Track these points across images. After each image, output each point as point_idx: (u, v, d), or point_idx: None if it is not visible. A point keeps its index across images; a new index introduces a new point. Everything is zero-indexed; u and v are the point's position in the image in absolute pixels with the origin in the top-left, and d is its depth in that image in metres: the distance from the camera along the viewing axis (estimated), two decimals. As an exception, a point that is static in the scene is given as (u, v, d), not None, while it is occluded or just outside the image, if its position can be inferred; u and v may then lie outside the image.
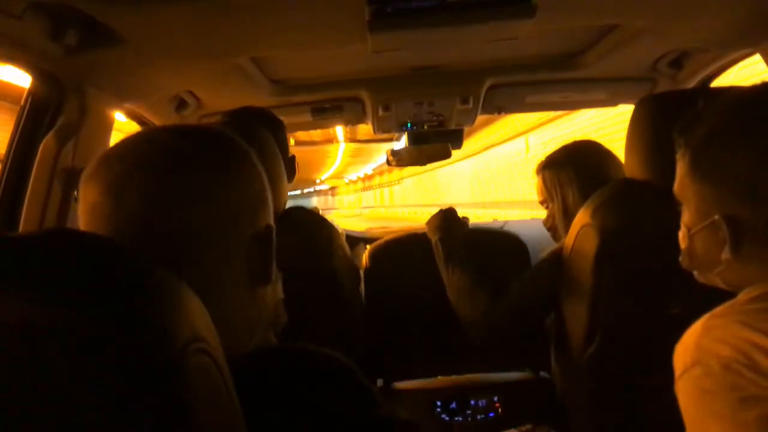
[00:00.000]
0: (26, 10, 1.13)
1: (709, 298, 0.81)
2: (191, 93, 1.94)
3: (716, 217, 0.82)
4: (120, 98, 1.70)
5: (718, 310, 0.78)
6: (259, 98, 1.95)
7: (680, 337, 0.79)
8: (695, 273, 0.93)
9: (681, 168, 0.89)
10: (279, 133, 1.70)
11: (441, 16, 1.25)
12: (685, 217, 0.90)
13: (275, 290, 0.79)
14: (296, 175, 1.70)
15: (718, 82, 1.94)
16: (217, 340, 0.49)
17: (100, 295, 0.41)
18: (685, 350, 0.77)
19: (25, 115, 1.45)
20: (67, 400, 0.38)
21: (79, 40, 1.25)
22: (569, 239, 1.45)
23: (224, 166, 0.69)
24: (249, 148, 0.74)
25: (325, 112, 2.14)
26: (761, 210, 0.78)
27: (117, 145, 0.68)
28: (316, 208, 3.60)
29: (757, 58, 1.63)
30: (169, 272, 0.47)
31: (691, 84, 1.91)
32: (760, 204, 0.78)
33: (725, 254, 0.82)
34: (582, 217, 1.38)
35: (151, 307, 0.43)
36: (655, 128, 1.30)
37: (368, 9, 1.21)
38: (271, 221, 0.75)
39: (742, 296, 0.80)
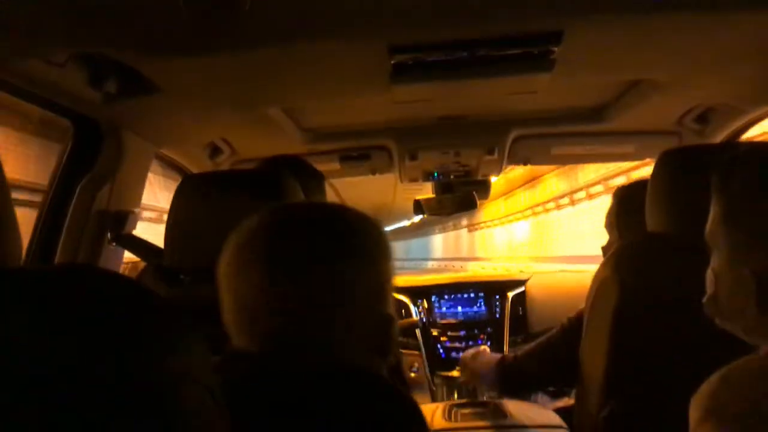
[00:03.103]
0: (69, 59, 1.20)
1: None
2: (225, 140, 2.01)
3: (745, 271, 0.80)
4: (156, 144, 1.77)
5: (737, 363, 0.76)
6: (290, 146, 2.01)
7: None
8: (717, 320, 0.91)
9: (714, 213, 0.87)
10: (312, 182, 1.76)
11: (460, 69, 1.29)
12: (714, 263, 0.88)
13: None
14: None
15: (746, 137, 1.93)
16: (212, 375, 0.51)
17: (98, 328, 0.43)
18: (700, 402, 0.75)
19: (65, 157, 1.53)
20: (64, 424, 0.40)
21: (118, 88, 1.31)
22: (590, 291, 1.44)
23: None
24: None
25: (353, 160, 2.18)
26: None
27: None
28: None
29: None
30: (171, 309, 0.49)
31: (718, 139, 1.90)
32: None
33: (750, 309, 0.81)
34: (603, 270, 1.38)
35: (144, 341, 0.45)
36: (676, 182, 1.30)
37: (391, 62, 1.26)
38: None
39: (763, 350, 0.79)
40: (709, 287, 0.90)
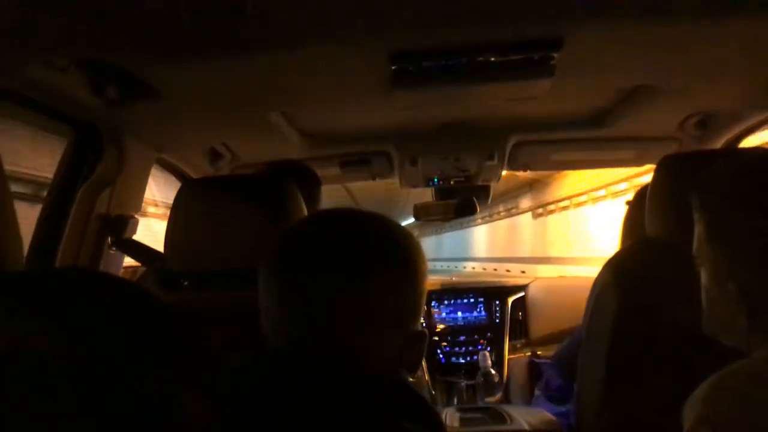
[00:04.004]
0: (70, 65, 1.21)
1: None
2: (225, 145, 2.01)
3: (731, 285, 0.81)
4: (157, 149, 1.78)
5: (729, 368, 0.77)
6: (290, 151, 2.01)
7: None
8: (720, 338, 0.91)
9: (698, 232, 0.88)
10: (314, 189, 1.77)
11: (460, 75, 1.30)
12: (704, 280, 0.89)
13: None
14: None
15: (746, 143, 1.93)
16: (216, 380, 0.51)
17: (98, 332, 0.44)
18: (693, 406, 0.75)
19: (65, 162, 1.53)
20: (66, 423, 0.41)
21: (119, 94, 1.32)
22: (590, 297, 1.44)
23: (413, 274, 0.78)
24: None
25: (353, 165, 2.19)
26: None
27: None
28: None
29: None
30: (171, 313, 0.50)
31: (719, 145, 1.91)
32: None
33: (739, 321, 0.81)
34: (602, 276, 1.38)
35: (143, 346, 0.45)
36: (675, 188, 1.30)
37: (391, 68, 1.26)
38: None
39: (757, 354, 0.79)
40: (705, 307, 0.90)
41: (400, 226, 0.82)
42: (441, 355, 2.81)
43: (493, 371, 2.48)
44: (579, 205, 11.78)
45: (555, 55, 1.23)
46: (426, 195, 2.53)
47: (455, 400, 2.70)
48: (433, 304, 2.87)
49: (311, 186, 1.79)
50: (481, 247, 21.72)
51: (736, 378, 0.75)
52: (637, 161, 2.23)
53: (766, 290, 0.78)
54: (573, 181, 11.86)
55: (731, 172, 0.85)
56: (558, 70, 1.28)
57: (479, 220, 21.02)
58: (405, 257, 0.77)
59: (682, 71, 1.42)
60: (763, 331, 0.80)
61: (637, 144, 2.06)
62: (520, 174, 2.29)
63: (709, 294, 0.87)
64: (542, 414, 1.88)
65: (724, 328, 0.87)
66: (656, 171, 1.37)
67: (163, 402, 0.44)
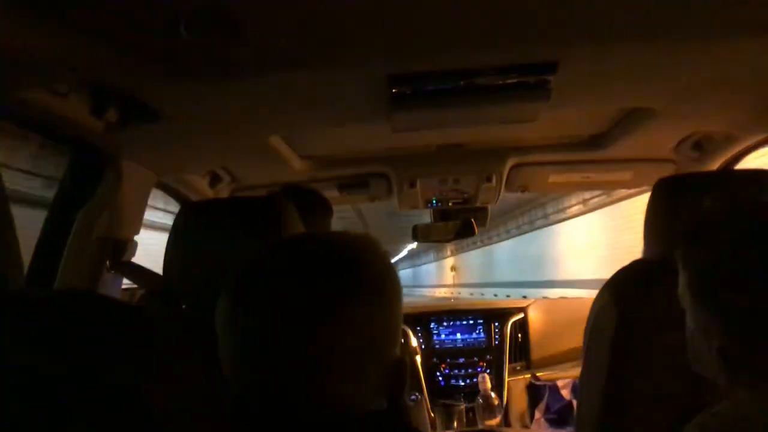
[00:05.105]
0: (71, 89, 1.22)
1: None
2: (225, 168, 2.02)
3: (711, 346, 0.81)
4: (157, 172, 1.79)
5: (714, 411, 0.77)
6: (290, 173, 2.02)
7: None
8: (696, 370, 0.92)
9: (682, 279, 0.89)
10: (322, 215, 1.77)
11: (459, 98, 1.31)
12: (689, 320, 0.90)
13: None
14: None
15: (743, 164, 1.94)
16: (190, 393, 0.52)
17: (92, 353, 0.44)
18: None
19: (65, 184, 1.54)
20: None
21: (119, 117, 1.33)
22: (589, 318, 1.44)
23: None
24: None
25: (351, 187, 2.20)
26: (754, 349, 0.78)
27: None
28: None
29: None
30: (168, 335, 0.50)
31: (715, 166, 1.92)
32: (753, 343, 0.78)
33: (720, 377, 0.83)
34: (601, 297, 1.38)
35: (137, 367, 0.46)
36: (672, 210, 1.31)
37: (390, 91, 1.28)
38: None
39: (743, 395, 0.79)
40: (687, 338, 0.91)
41: (372, 246, 0.75)
42: (440, 378, 2.79)
43: (492, 394, 2.47)
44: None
45: (550, 78, 1.24)
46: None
47: (454, 423, 2.68)
48: (432, 326, 2.86)
49: (320, 211, 1.79)
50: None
51: (725, 420, 0.75)
52: (634, 183, 2.24)
53: (741, 351, 0.79)
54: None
55: (718, 237, 0.84)
56: (554, 93, 1.29)
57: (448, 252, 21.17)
58: (378, 284, 0.71)
59: (676, 94, 1.44)
60: (743, 373, 0.80)
61: (633, 166, 2.07)
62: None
63: (692, 342, 0.89)
64: None
65: (700, 362, 0.88)
66: (653, 193, 1.38)
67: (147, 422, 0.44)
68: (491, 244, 20.34)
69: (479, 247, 21.84)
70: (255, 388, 0.67)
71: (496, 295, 14.92)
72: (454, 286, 24.24)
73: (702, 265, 0.84)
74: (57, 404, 0.42)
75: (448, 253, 25.26)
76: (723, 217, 0.86)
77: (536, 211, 15.58)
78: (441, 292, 23.99)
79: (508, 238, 18.46)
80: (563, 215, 13.81)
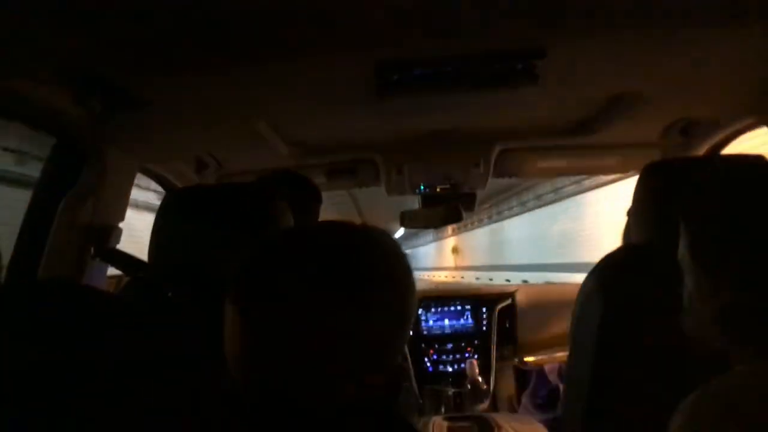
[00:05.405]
0: (53, 77, 1.20)
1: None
2: (210, 155, 2.00)
3: (714, 306, 0.81)
4: (141, 159, 1.77)
5: (715, 381, 0.76)
6: (276, 160, 2.00)
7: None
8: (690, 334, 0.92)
9: (683, 242, 0.88)
10: (311, 202, 1.75)
11: (446, 83, 1.30)
12: (689, 284, 0.89)
13: None
14: None
15: (729, 149, 1.95)
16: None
17: (74, 341, 0.43)
18: (679, 420, 0.75)
19: (48, 172, 1.52)
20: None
21: (103, 105, 1.31)
22: (576, 304, 1.44)
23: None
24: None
25: (339, 174, 2.19)
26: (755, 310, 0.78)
27: None
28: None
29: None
30: (151, 326, 0.49)
31: (702, 152, 1.92)
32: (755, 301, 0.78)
33: (722, 339, 0.82)
34: (588, 283, 1.38)
35: (122, 358, 0.45)
36: (659, 195, 1.31)
37: (377, 77, 1.27)
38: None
39: (741, 367, 0.79)
40: (685, 304, 0.91)
41: (380, 240, 0.73)
42: (428, 363, 2.81)
43: (480, 379, 2.48)
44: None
45: (538, 63, 1.24)
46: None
47: (443, 409, 2.70)
48: (419, 312, 2.86)
49: (308, 198, 1.77)
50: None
51: (722, 391, 0.75)
52: (622, 168, 2.24)
53: (744, 311, 0.79)
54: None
55: (720, 197, 0.85)
56: (541, 78, 1.29)
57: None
58: (385, 282, 0.70)
59: (663, 79, 1.44)
60: (743, 343, 0.80)
61: (621, 151, 2.07)
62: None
63: (693, 304, 0.88)
64: (530, 422, 1.89)
65: (697, 327, 0.88)
66: (640, 178, 1.38)
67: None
68: (500, 220, 18.01)
69: (486, 224, 19.83)
70: (255, 381, 0.67)
71: (508, 281, 12.44)
72: (456, 269, 23.25)
73: (700, 227, 0.84)
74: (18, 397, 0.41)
75: (449, 232, 24.18)
76: (727, 175, 0.86)
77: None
78: (441, 277, 23.00)
79: (524, 212, 15.64)
80: (600, 179, 10.38)
